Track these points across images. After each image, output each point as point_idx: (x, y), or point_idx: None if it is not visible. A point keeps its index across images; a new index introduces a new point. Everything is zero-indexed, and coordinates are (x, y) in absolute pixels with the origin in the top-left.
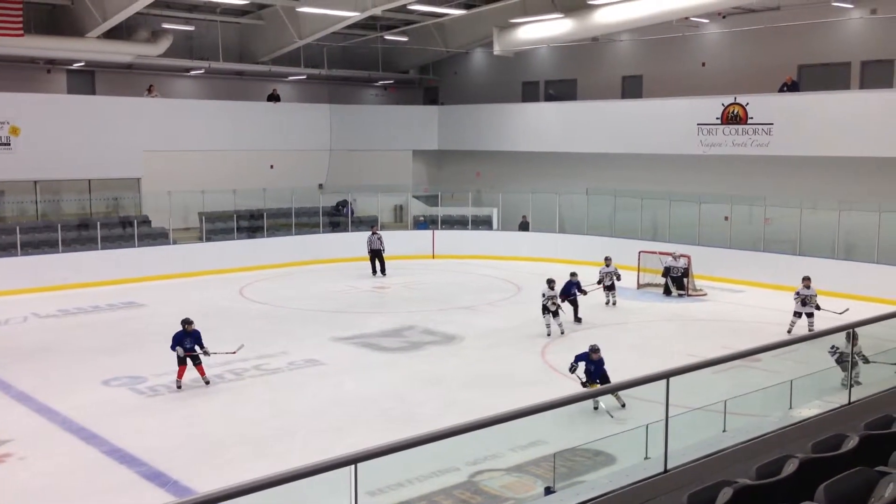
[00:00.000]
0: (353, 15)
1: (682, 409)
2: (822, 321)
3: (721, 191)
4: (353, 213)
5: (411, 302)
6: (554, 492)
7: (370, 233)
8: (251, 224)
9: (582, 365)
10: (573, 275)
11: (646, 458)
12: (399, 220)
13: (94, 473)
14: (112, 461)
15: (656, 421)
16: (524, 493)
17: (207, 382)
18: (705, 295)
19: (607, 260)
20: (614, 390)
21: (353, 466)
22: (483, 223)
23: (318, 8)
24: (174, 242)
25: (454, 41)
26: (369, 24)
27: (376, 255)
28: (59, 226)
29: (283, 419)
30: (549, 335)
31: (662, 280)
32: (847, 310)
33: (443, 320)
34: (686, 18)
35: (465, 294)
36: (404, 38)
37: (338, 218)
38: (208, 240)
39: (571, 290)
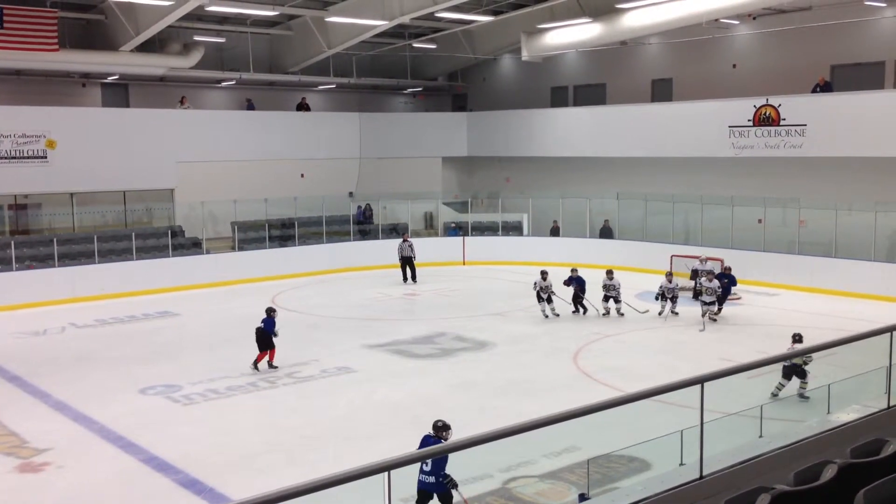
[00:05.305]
0: (382, 23)
1: (718, 414)
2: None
3: (754, 193)
4: (369, 216)
5: (442, 309)
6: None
7: (401, 240)
8: (283, 233)
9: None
10: (573, 270)
11: (681, 464)
12: (429, 226)
13: (132, 481)
14: (149, 469)
15: (691, 426)
16: (558, 499)
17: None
18: (739, 299)
19: (609, 274)
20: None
21: (385, 473)
22: (513, 229)
23: (346, 17)
24: (207, 252)
25: (482, 48)
26: (397, 32)
27: (407, 262)
28: (95, 237)
29: (316, 427)
30: (546, 317)
31: (692, 283)
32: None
33: (474, 327)
34: (716, 20)
35: (496, 300)
36: (432, 46)
37: (367, 226)
38: (241, 249)
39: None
